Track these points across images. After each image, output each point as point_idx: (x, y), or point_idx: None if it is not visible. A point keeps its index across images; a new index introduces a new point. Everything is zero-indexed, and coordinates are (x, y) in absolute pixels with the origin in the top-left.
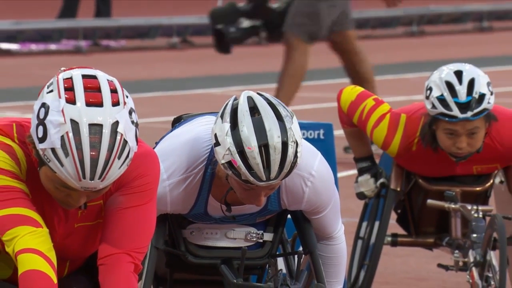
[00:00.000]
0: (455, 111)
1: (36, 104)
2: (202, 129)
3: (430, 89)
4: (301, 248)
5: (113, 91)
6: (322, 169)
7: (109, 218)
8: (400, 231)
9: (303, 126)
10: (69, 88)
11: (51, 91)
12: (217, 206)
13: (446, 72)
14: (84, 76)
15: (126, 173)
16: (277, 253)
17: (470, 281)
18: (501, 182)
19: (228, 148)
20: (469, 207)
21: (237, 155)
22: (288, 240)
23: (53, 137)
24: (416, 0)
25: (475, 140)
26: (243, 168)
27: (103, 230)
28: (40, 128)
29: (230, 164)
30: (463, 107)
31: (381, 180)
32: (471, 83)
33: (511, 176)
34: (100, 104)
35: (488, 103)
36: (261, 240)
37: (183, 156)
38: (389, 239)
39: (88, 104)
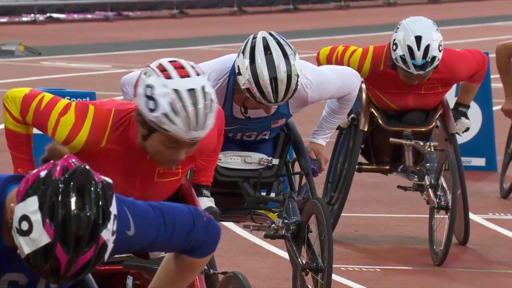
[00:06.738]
0: (412, 70)
1: (140, 87)
2: (227, 56)
3: (396, 45)
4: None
5: (192, 67)
6: (314, 74)
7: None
8: (364, 161)
9: (71, 94)
10: (163, 70)
11: (150, 75)
12: (239, 110)
13: (409, 35)
14: (169, 61)
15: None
16: (283, 173)
17: (427, 198)
18: (437, 126)
19: (247, 79)
20: (422, 143)
21: (253, 84)
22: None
23: (163, 105)
24: None
25: (425, 79)
26: (257, 94)
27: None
28: (151, 102)
29: (248, 90)
30: (418, 67)
31: (352, 115)
32: (427, 48)
33: (446, 119)
34: (188, 76)
35: (438, 60)
36: (270, 164)
37: (215, 67)
38: (356, 167)
39: (181, 77)
